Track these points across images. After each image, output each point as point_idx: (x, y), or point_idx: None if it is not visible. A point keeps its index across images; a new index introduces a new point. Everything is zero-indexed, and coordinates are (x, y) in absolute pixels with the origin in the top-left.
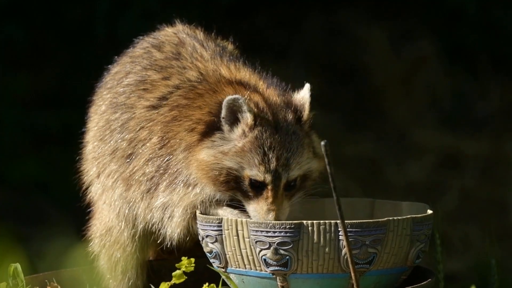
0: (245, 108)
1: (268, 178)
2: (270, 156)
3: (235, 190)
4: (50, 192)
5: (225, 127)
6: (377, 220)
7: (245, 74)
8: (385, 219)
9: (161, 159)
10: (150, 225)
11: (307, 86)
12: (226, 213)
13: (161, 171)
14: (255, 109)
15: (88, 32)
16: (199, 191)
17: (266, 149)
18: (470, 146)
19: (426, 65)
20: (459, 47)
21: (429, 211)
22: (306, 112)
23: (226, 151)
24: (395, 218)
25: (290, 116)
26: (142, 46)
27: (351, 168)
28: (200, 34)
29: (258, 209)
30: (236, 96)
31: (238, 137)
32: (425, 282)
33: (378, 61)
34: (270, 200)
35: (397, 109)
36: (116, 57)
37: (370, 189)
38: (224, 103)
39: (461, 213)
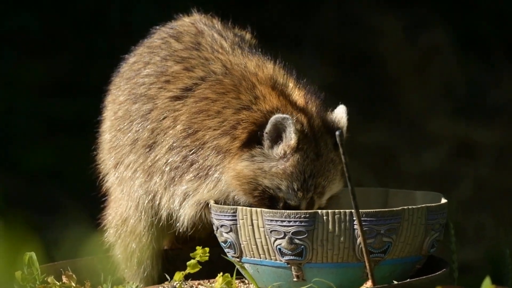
0: (291, 129)
1: (303, 204)
2: (309, 184)
3: (265, 204)
4: (64, 180)
5: (266, 143)
6: (392, 209)
7: (271, 69)
8: (400, 208)
9: (186, 150)
10: (172, 213)
11: (343, 108)
12: None
13: (187, 163)
14: (300, 133)
15: (102, 21)
16: (225, 190)
17: (306, 176)
18: (484, 135)
19: (440, 53)
20: (473, 35)
21: (444, 200)
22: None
23: (266, 169)
24: (410, 207)
25: (329, 142)
26: (160, 36)
27: (365, 157)
28: (217, 24)
29: None
30: (286, 116)
31: (279, 157)
32: (439, 272)
33: (392, 50)
34: None
35: (411, 98)
36: (132, 47)
37: (383, 178)
38: (272, 120)
39: (475, 203)
